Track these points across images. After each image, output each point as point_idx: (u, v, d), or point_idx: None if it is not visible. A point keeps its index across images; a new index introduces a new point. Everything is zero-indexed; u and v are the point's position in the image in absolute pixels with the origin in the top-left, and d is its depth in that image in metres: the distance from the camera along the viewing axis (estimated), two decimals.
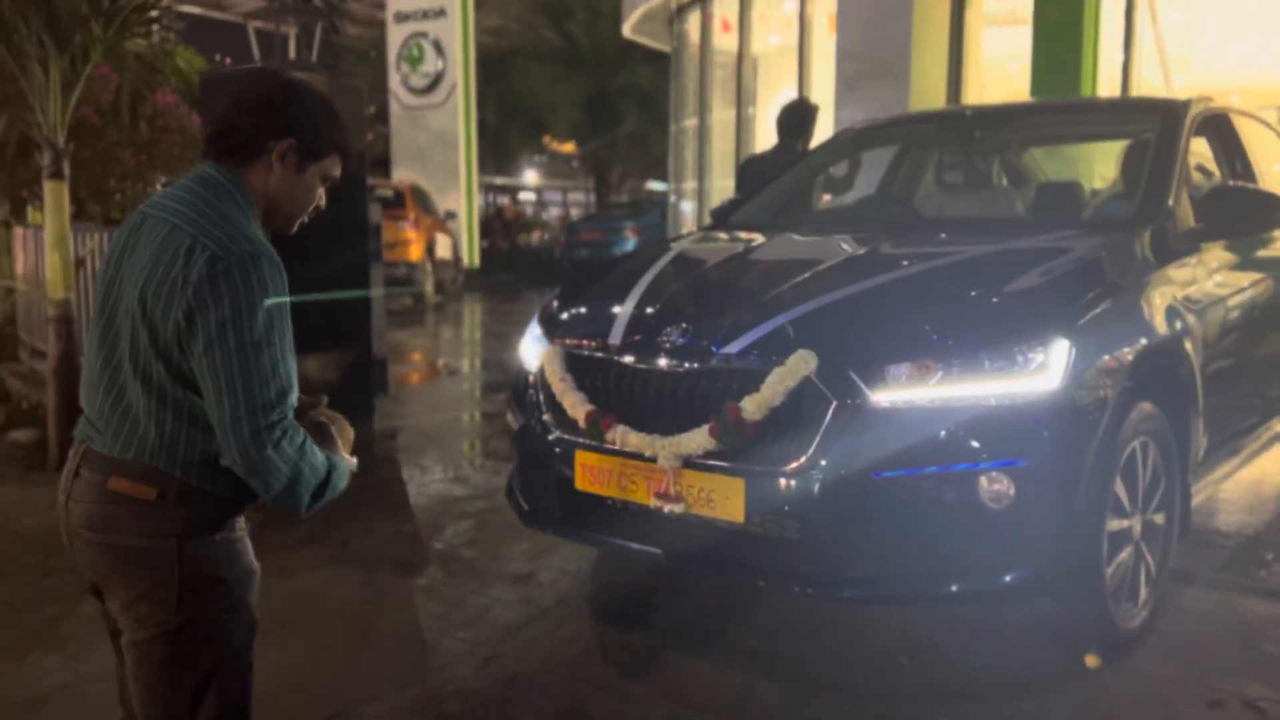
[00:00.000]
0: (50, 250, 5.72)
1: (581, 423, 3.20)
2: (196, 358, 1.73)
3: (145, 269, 1.78)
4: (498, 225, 25.16)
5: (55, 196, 5.68)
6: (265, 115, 1.85)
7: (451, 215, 17.62)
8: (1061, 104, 5.09)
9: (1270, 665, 3.16)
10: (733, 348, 3.03)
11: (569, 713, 2.98)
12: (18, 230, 8.06)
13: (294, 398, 1.82)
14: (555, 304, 3.75)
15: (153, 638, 1.85)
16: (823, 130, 6.18)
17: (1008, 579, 2.87)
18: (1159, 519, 3.33)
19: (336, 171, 1.96)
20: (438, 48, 20.14)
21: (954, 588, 2.89)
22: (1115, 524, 3.09)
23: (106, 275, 1.88)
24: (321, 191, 1.97)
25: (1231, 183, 4.19)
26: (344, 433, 1.99)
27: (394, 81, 20.63)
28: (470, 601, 3.75)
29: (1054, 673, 3.10)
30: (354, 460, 1.98)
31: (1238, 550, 4.17)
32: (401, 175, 19.48)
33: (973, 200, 4.80)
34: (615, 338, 3.28)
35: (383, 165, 20.77)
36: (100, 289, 1.90)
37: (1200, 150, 4.32)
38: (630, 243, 17.76)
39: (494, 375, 8.89)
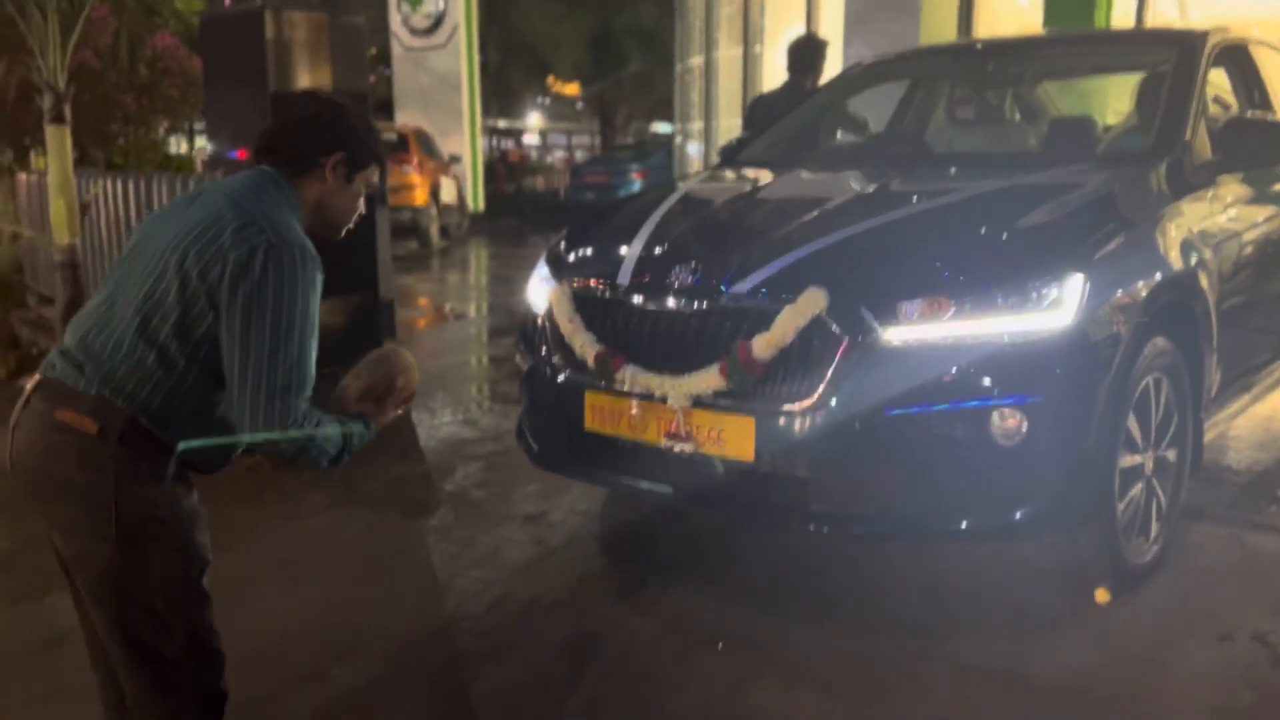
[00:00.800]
0: (54, 195, 5.69)
1: (590, 363, 3.18)
2: (230, 328, 1.82)
3: (196, 229, 1.86)
4: (502, 169, 25.00)
5: (57, 140, 5.64)
6: (316, 133, 2.03)
7: (456, 159, 17.45)
8: (1076, 36, 5.00)
9: (1279, 599, 3.17)
10: (742, 286, 3.00)
11: (580, 648, 3.00)
12: (21, 176, 8.02)
13: (309, 392, 1.88)
14: (562, 244, 3.72)
15: (100, 575, 1.87)
16: (832, 67, 6.09)
17: (1018, 515, 2.87)
18: (1171, 455, 3.32)
19: (376, 180, 2.13)
20: None
21: (964, 524, 2.89)
22: (1127, 460, 3.08)
23: (145, 227, 1.98)
24: (362, 201, 2.14)
25: (1250, 113, 4.12)
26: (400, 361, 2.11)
27: (395, 22, 20.36)
28: (481, 541, 3.77)
29: (1063, 608, 3.11)
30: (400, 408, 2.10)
31: (1248, 486, 4.16)
32: (404, 118, 19.29)
33: (985, 135, 4.72)
34: (624, 278, 3.25)
35: (385, 108, 20.58)
36: (134, 236, 1.99)
37: (1218, 82, 4.24)
38: (636, 185, 17.62)
39: (501, 320, 8.87)
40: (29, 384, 1.93)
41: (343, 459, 1.94)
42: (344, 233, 2.14)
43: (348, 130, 2.05)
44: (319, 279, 1.90)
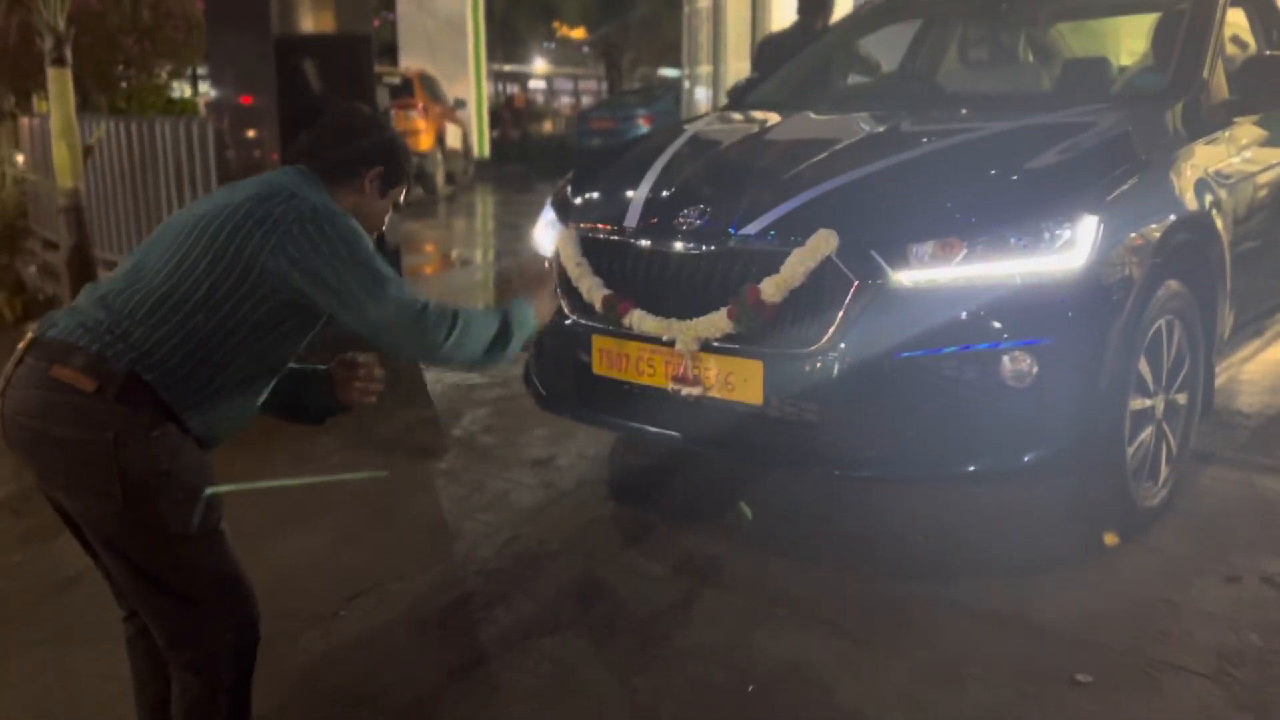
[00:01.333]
0: (57, 139, 5.64)
1: (598, 307, 3.17)
2: (323, 288, 1.91)
3: (243, 205, 1.93)
4: (508, 114, 24.73)
5: (59, 83, 5.58)
6: (363, 145, 2.13)
7: (461, 103, 17.27)
8: None
9: None
10: (751, 229, 2.97)
11: (590, 590, 3.02)
12: (24, 120, 7.96)
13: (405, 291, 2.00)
14: (569, 188, 3.68)
15: (112, 531, 1.87)
16: (843, 7, 5.98)
17: (1027, 458, 2.86)
18: (1181, 399, 3.30)
19: (403, 198, 2.26)
20: None
21: (973, 467, 2.89)
22: (1138, 403, 3.07)
23: (180, 211, 2.05)
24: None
25: (1269, 52, 4.04)
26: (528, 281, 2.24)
27: None
28: (490, 485, 3.78)
29: (1072, 550, 3.12)
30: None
31: (1258, 430, 4.15)
32: (409, 62, 19.07)
33: (998, 76, 4.66)
34: (631, 221, 3.22)
35: (389, 52, 20.35)
36: (179, 214, 2.04)
37: (1236, 22, 4.16)
38: (643, 131, 17.46)
39: (507, 266, 8.83)
40: (21, 343, 1.91)
41: (504, 350, 2.10)
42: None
43: (391, 148, 2.17)
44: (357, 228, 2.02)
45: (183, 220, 1.98)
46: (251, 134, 5.74)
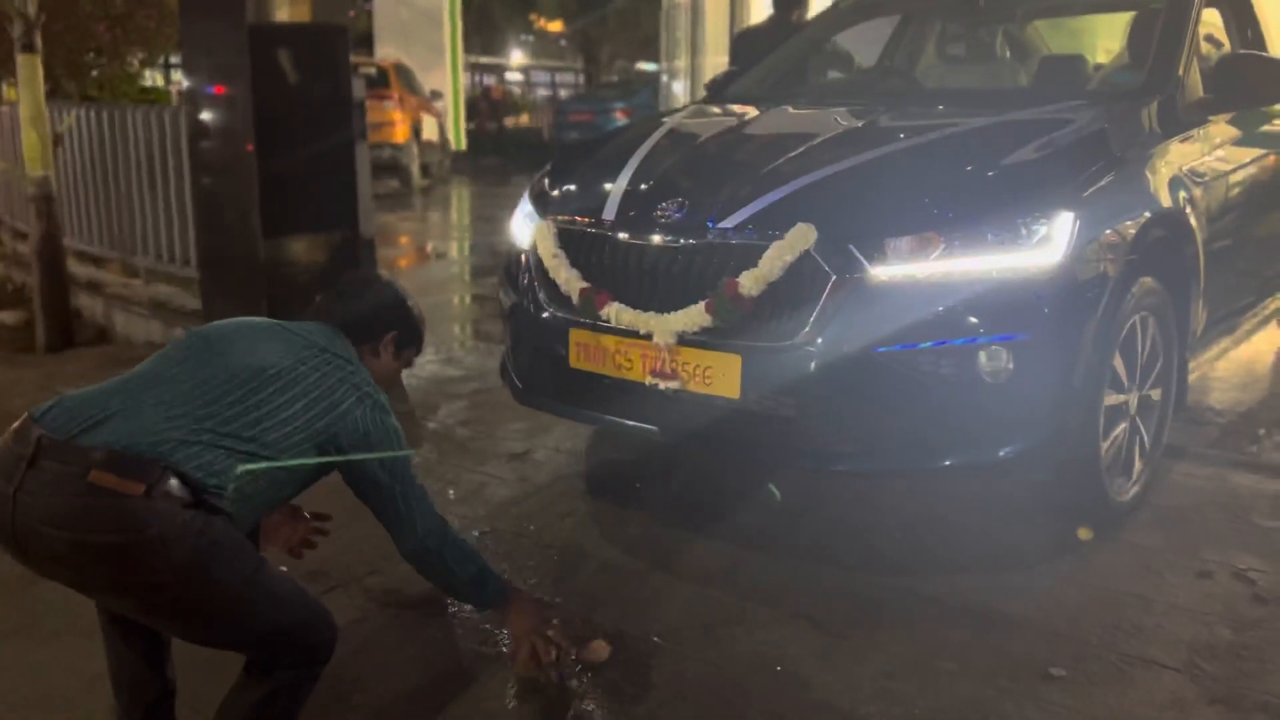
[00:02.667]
0: (26, 126, 5.57)
1: (575, 300, 3.15)
2: (365, 473, 2.13)
3: (314, 362, 2.08)
4: (484, 106, 24.67)
5: (28, 70, 5.51)
6: (385, 314, 2.36)
7: (437, 95, 17.20)
8: None
9: (1259, 537, 3.19)
10: (729, 222, 2.97)
11: (565, 585, 3.01)
12: None
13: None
14: (546, 180, 3.66)
15: (177, 611, 1.88)
16: (820, 3, 5.98)
17: (1003, 453, 2.87)
18: (1155, 394, 3.33)
19: (415, 359, 2.50)
20: None
21: (949, 461, 2.89)
22: (1112, 399, 3.09)
23: (220, 334, 2.13)
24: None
25: (1243, 51, 4.07)
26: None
27: None
28: (465, 479, 3.76)
29: (1046, 545, 3.13)
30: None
31: (1230, 426, 4.19)
32: (385, 53, 18.95)
33: (975, 72, 4.67)
34: (609, 213, 3.21)
35: (365, 43, 20.21)
36: (203, 335, 2.13)
37: (1211, 21, 4.19)
38: (621, 124, 17.43)
39: (483, 259, 8.80)
40: (19, 440, 1.83)
41: (473, 593, 2.37)
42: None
43: (409, 319, 2.40)
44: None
45: (229, 355, 2.03)
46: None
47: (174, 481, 1.81)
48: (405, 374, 5.04)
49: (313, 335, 2.17)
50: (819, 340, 2.80)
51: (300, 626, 2.00)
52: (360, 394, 2.10)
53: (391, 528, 2.23)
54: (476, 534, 3.31)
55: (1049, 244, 2.81)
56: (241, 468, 1.90)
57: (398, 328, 2.36)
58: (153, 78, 12.71)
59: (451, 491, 3.66)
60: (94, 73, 8.63)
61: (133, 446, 1.81)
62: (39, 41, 5.51)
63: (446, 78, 19.52)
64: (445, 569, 2.28)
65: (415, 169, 14.72)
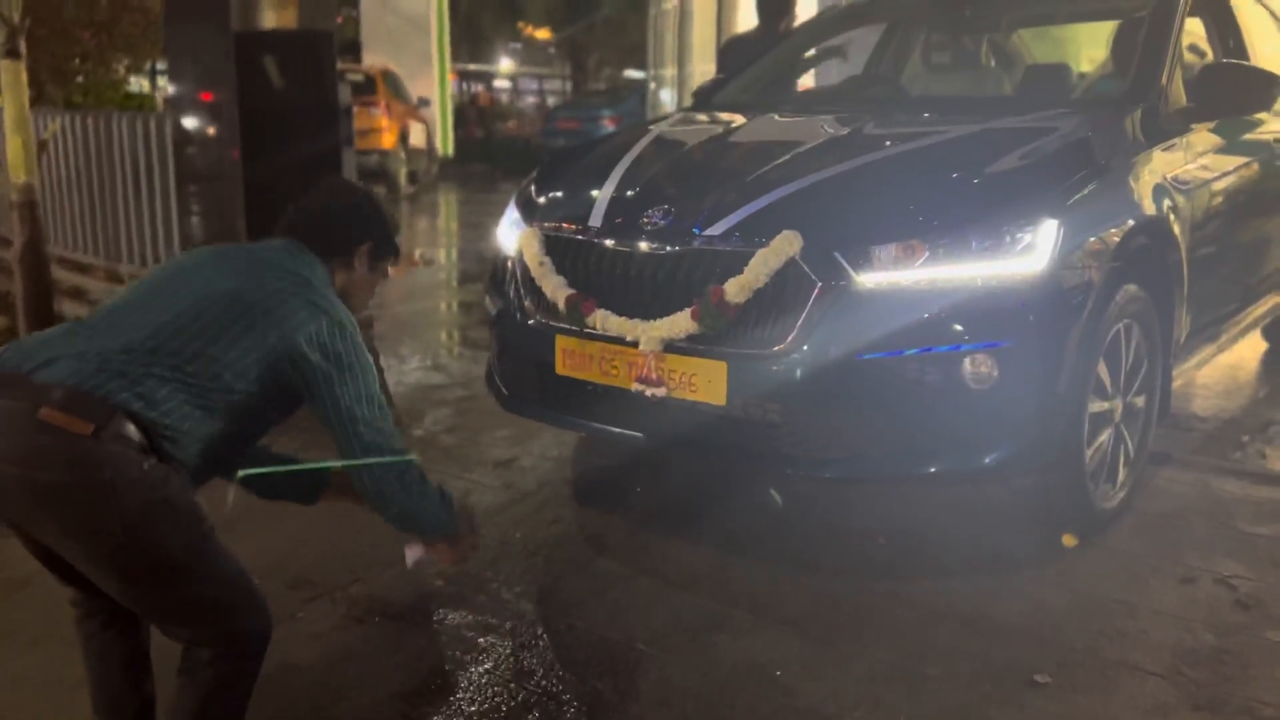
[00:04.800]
0: (10, 133, 5.53)
1: (561, 307, 3.15)
2: (320, 394, 2.00)
3: (261, 283, 1.99)
4: (472, 113, 24.64)
5: (12, 75, 5.47)
6: (356, 223, 2.22)
7: (425, 102, 17.18)
8: None
9: (1242, 543, 3.21)
10: (715, 229, 2.97)
11: (551, 591, 3.00)
12: None
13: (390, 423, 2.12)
14: (533, 187, 3.66)
15: (117, 564, 1.84)
16: (805, 13, 6.00)
17: (988, 460, 2.88)
18: (1140, 401, 3.34)
19: (391, 269, 2.35)
20: None
21: (934, 468, 2.90)
22: (1097, 406, 3.10)
23: (178, 267, 2.08)
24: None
25: (1225, 60, 4.10)
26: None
27: None
28: (451, 486, 3.68)
29: (1031, 551, 3.14)
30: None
31: (1213, 433, 4.21)
32: (372, 60, 18.92)
33: (961, 80, 4.69)
34: (596, 220, 3.21)
35: (352, 49, 20.19)
36: (167, 270, 2.08)
37: (1194, 31, 4.22)
38: (608, 131, 17.44)
39: (470, 265, 8.79)
40: None
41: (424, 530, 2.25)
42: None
43: (381, 223, 2.26)
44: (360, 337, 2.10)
45: (186, 286, 1.98)
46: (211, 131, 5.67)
47: (128, 425, 1.79)
48: (392, 380, 5.07)
49: (276, 255, 2.09)
50: (805, 347, 2.81)
51: (233, 609, 1.95)
52: (314, 309, 1.99)
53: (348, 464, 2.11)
54: None
55: (1033, 251, 2.82)
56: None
57: (372, 237, 2.24)
58: (138, 84, 12.68)
59: None
60: (79, 79, 8.60)
61: (83, 384, 1.78)
62: (23, 47, 5.48)
63: (434, 85, 19.50)
64: (399, 513, 2.18)
65: (402, 175, 14.71)
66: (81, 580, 1.98)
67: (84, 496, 1.77)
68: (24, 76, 5.54)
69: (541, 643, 2.72)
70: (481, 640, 2.72)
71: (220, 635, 1.95)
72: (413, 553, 2.31)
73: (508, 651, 2.67)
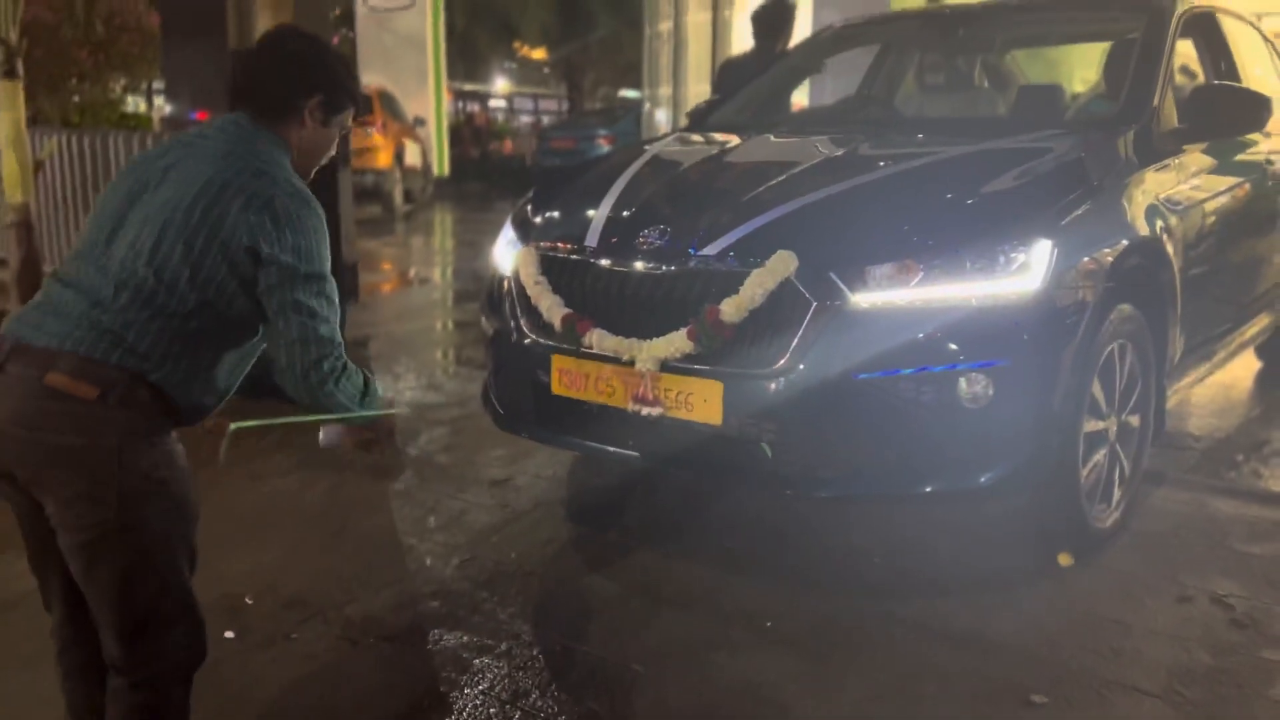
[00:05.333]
0: (6, 152, 5.55)
1: (558, 326, 3.15)
2: (267, 288, 1.86)
3: (204, 189, 1.85)
4: (468, 133, 24.73)
5: (9, 95, 5.50)
6: (299, 74, 1.99)
7: (420, 121, 17.23)
8: (1046, 1, 4.98)
9: (1238, 562, 3.21)
10: (711, 249, 2.98)
11: (546, 611, 2.99)
12: None
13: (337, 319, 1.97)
14: (529, 207, 3.68)
15: (98, 538, 1.82)
16: (801, 35, 6.04)
17: (984, 479, 2.88)
18: (1134, 421, 3.35)
19: (350, 123, 2.13)
20: None
21: (930, 487, 2.90)
22: (1091, 425, 3.10)
23: (127, 183, 1.93)
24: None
25: (1216, 82, 4.13)
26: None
27: None
28: (446, 506, 3.75)
29: (1026, 570, 3.14)
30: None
31: (1208, 452, 4.22)
32: (368, 79, 18.95)
33: (954, 101, 4.72)
34: (592, 240, 3.22)
35: None
36: (114, 193, 1.94)
37: (1186, 52, 4.26)
38: (603, 151, 17.49)
39: (466, 284, 8.80)
40: None
41: (357, 410, 2.01)
42: (313, 173, 2.12)
43: (329, 72, 2.02)
44: (323, 218, 1.96)
45: (141, 203, 1.88)
46: None
47: (133, 386, 1.79)
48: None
49: (224, 141, 1.94)
50: (800, 367, 2.81)
51: (170, 625, 1.90)
52: (264, 178, 1.87)
53: (274, 351, 1.93)
54: (457, 561, 3.29)
55: (1028, 271, 2.83)
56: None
57: (322, 89, 2.01)
58: (135, 103, 12.70)
59: (432, 519, 3.64)
60: (76, 98, 8.62)
61: (79, 348, 1.78)
62: (20, 68, 5.50)
63: (430, 104, 19.56)
64: (324, 407, 1.99)
65: (398, 195, 14.73)
66: (49, 569, 1.97)
67: (92, 460, 1.78)
68: (21, 97, 5.57)
69: (537, 663, 2.71)
70: (477, 661, 2.71)
71: (156, 654, 1.90)
72: (328, 434, 2.10)
73: (503, 672, 2.66)
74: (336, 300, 1.96)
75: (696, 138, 4.31)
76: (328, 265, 1.94)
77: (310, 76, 2.00)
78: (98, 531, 1.82)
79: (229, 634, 2.82)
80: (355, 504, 3.79)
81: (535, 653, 2.76)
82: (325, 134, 2.06)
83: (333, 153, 2.13)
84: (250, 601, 3.02)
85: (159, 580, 1.88)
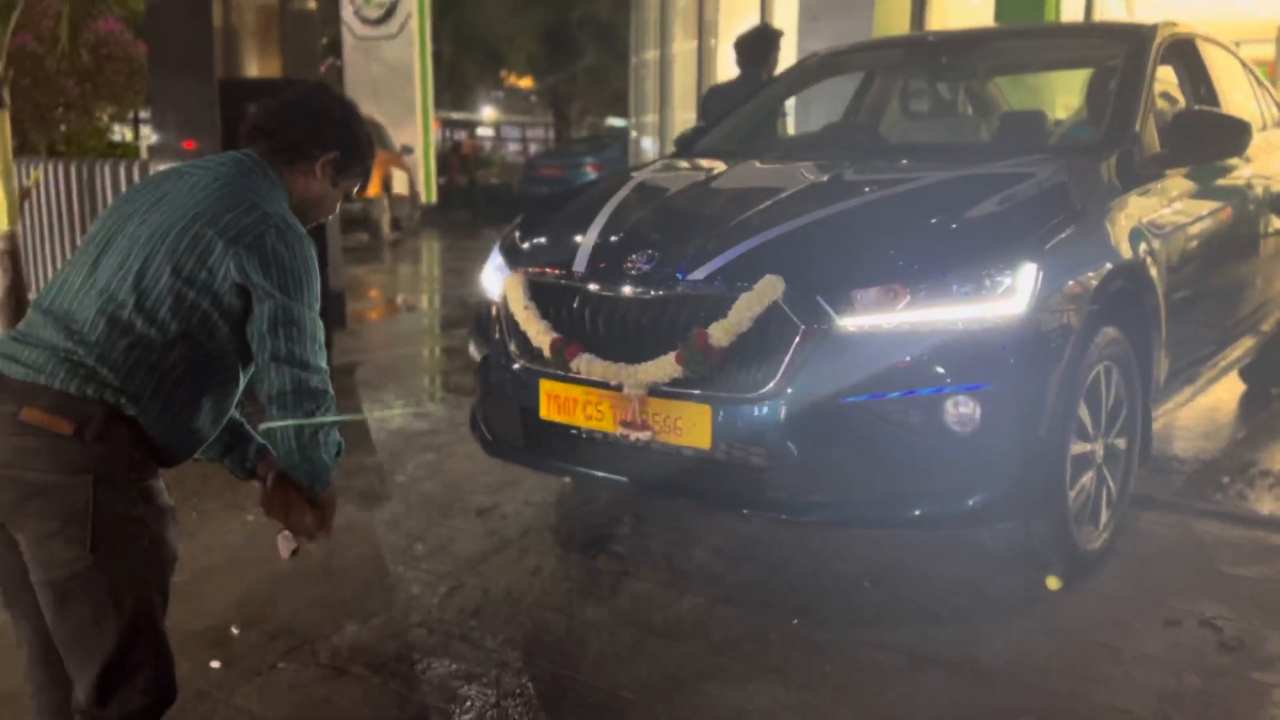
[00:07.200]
0: None
1: (546, 351, 3.15)
2: (258, 335, 1.85)
3: (192, 213, 1.85)
4: (455, 161, 24.76)
5: None
6: (324, 126, 2.02)
7: (408, 150, 17.29)
8: (1028, 29, 5.03)
9: (1225, 585, 3.21)
10: (699, 274, 2.99)
11: (534, 640, 2.97)
12: None
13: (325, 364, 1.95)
14: (517, 233, 3.68)
15: (70, 577, 1.79)
16: (786, 62, 6.09)
17: (971, 503, 2.88)
18: (1121, 443, 3.36)
19: (355, 190, 2.15)
20: None
21: (918, 511, 2.90)
22: (1078, 448, 3.11)
23: (120, 209, 1.93)
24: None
25: (1197, 107, 4.17)
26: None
27: (346, 12, 20.05)
28: (433, 534, 3.73)
29: (1015, 594, 3.14)
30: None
31: (1194, 474, 4.23)
32: None
33: (938, 127, 4.76)
34: (580, 265, 3.23)
35: None
36: (107, 220, 1.93)
37: (1166, 78, 4.30)
38: (591, 179, 17.55)
39: (454, 311, 8.78)
40: None
41: (328, 462, 1.97)
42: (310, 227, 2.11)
43: (353, 136, 2.06)
44: (314, 255, 1.94)
45: (130, 229, 1.87)
46: None
47: (109, 422, 1.76)
48: (375, 426, 5.05)
49: (224, 172, 1.93)
50: (788, 390, 2.82)
51: (138, 668, 1.85)
52: (257, 212, 1.85)
53: (264, 400, 1.90)
54: (444, 589, 3.27)
55: (1013, 295, 2.84)
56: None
57: (339, 148, 2.03)
58: (122, 133, 12.71)
59: (419, 546, 3.62)
60: (62, 127, 8.62)
61: (54, 382, 1.76)
62: (7, 97, 5.50)
63: (417, 133, 19.59)
64: (307, 459, 1.94)
65: (385, 222, 14.73)
66: (21, 609, 1.93)
67: (66, 497, 1.75)
68: (7, 126, 5.56)
69: (526, 692, 2.69)
70: (464, 689, 2.68)
71: (125, 694, 1.85)
72: (286, 545, 2.06)
73: (491, 701, 2.64)
74: (322, 338, 1.93)
75: (683, 164, 4.33)
76: (318, 303, 1.92)
77: (334, 132, 2.03)
78: (69, 570, 1.78)
79: (215, 664, 2.80)
80: (342, 533, 3.76)
81: (524, 681, 2.74)
82: (330, 192, 2.09)
83: (332, 214, 2.15)
84: (237, 631, 3.00)
85: (129, 623, 1.83)
